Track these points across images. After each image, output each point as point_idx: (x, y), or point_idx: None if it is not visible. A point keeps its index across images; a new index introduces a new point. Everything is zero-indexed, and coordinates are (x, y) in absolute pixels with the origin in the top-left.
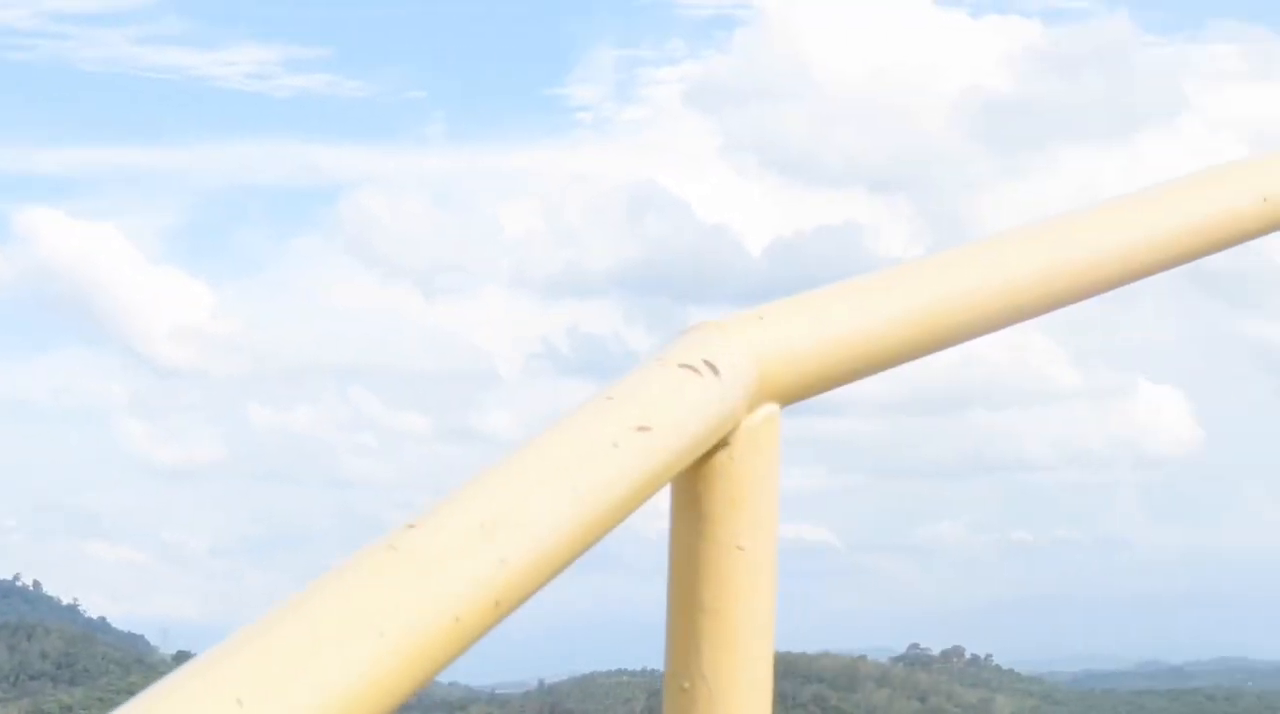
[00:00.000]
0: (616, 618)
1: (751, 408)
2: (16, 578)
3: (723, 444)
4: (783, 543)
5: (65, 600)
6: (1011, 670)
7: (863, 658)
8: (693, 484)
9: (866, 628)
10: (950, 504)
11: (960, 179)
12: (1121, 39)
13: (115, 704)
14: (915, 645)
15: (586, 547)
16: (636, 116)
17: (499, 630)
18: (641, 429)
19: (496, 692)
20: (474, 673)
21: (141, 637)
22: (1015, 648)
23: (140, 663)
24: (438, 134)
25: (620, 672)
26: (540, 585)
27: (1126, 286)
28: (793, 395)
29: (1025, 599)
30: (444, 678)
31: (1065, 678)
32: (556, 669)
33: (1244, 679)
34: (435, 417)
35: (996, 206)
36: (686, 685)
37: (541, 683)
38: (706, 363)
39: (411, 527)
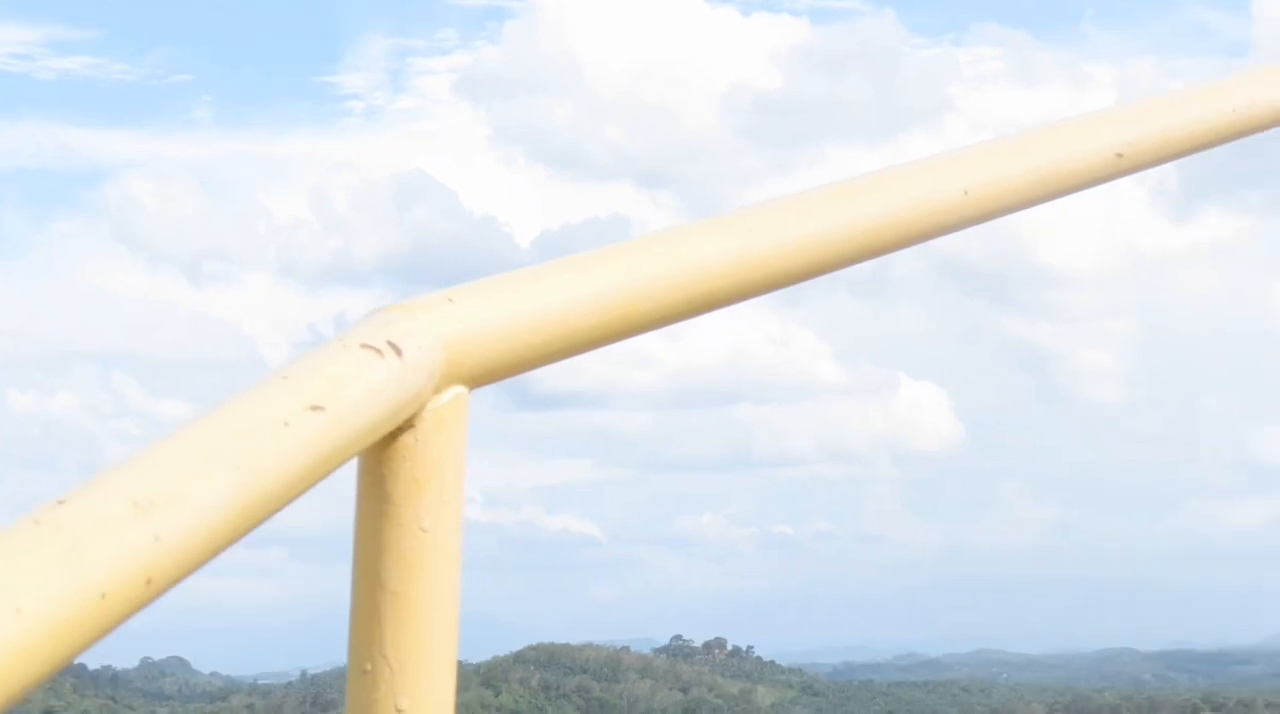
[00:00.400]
0: None
1: (438, 390)
2: None
3: (408, 425)
4: (549, 535)
5: None
6: (772, 662)
7: (626, 649)
8: (377, 465)
9: (630, 619)
10: (713, 497)
11: (728, 173)
12: (888, 40)
13: None
14: (678, 637)
15: (253, 525)
16: (406, 106)
17: (261, 621)
18: (315, 408)
19: (259, 682)
20: (235, 663)
21: None
22: (776, 640)
23: None
24: (205, 119)
25: None
26: (200, 563)
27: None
28: (481, 378)
29: (786, 592)
30: (205, 668)
31: (825, 669)
32: (319, 659)
33: (998, 671)
34: (199, 404)
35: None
36: (368, 667)
37: (304, 673)
38: (390, 344)
39: (61, 502)
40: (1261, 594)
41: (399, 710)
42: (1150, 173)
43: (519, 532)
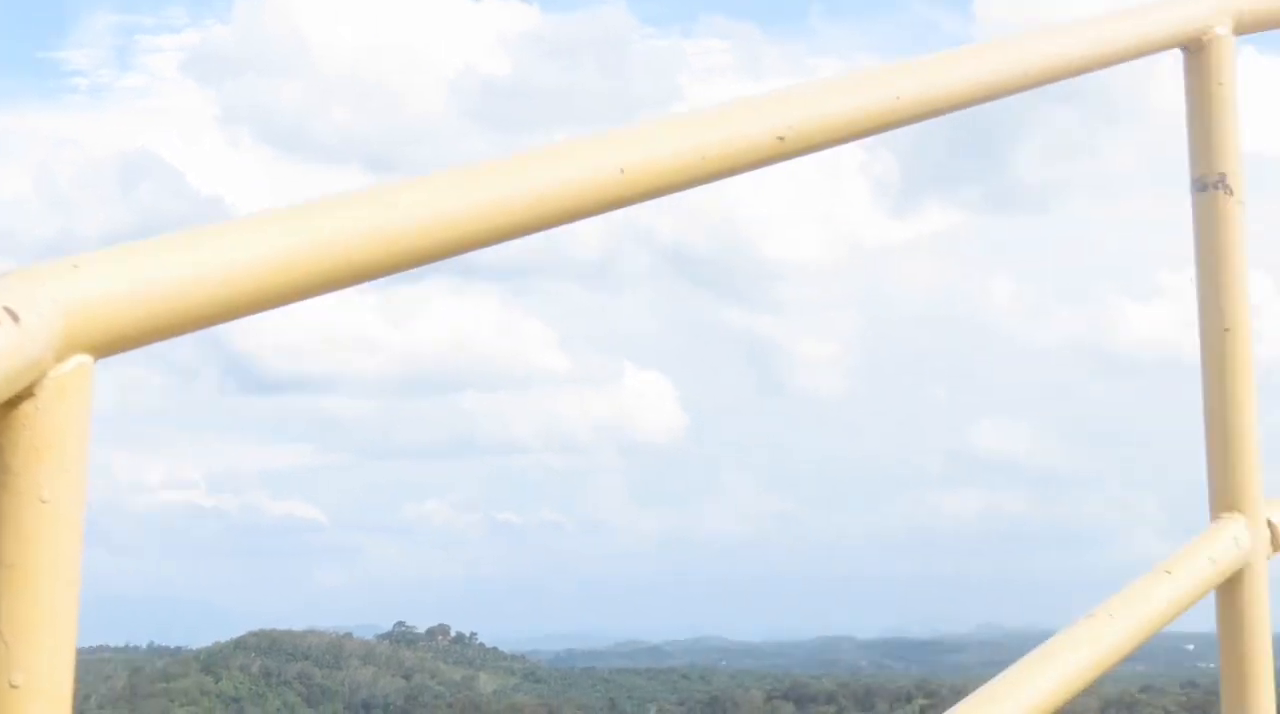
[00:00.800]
0: (98, 594)
1: (60, 358)
2: None
3: (27, 394)
4: (273, 520)
5: None
6: (495, 649)
7: (349, 635)
8: None
9: (354, 606)
10: (438, 484)
11: (455, 158)
12: (618, 29)
13: None
14: (401, 623)
15: None
16: (133, 84)
17: None
18: None
19: None
20: None
21: None
22: (500, 627)
23: None
24: None
25: (101, 648)
26: None
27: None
28: (106, 347)
29: (511, 579)
30: None
31: (547, 656)
32: None
33: (718, 658)
34: None
35: None
36: None
37: None
38: (6, 310)
39: None
40: (974, 583)
41: (14, 686)
42: (874, 167)
43: (242, 516)
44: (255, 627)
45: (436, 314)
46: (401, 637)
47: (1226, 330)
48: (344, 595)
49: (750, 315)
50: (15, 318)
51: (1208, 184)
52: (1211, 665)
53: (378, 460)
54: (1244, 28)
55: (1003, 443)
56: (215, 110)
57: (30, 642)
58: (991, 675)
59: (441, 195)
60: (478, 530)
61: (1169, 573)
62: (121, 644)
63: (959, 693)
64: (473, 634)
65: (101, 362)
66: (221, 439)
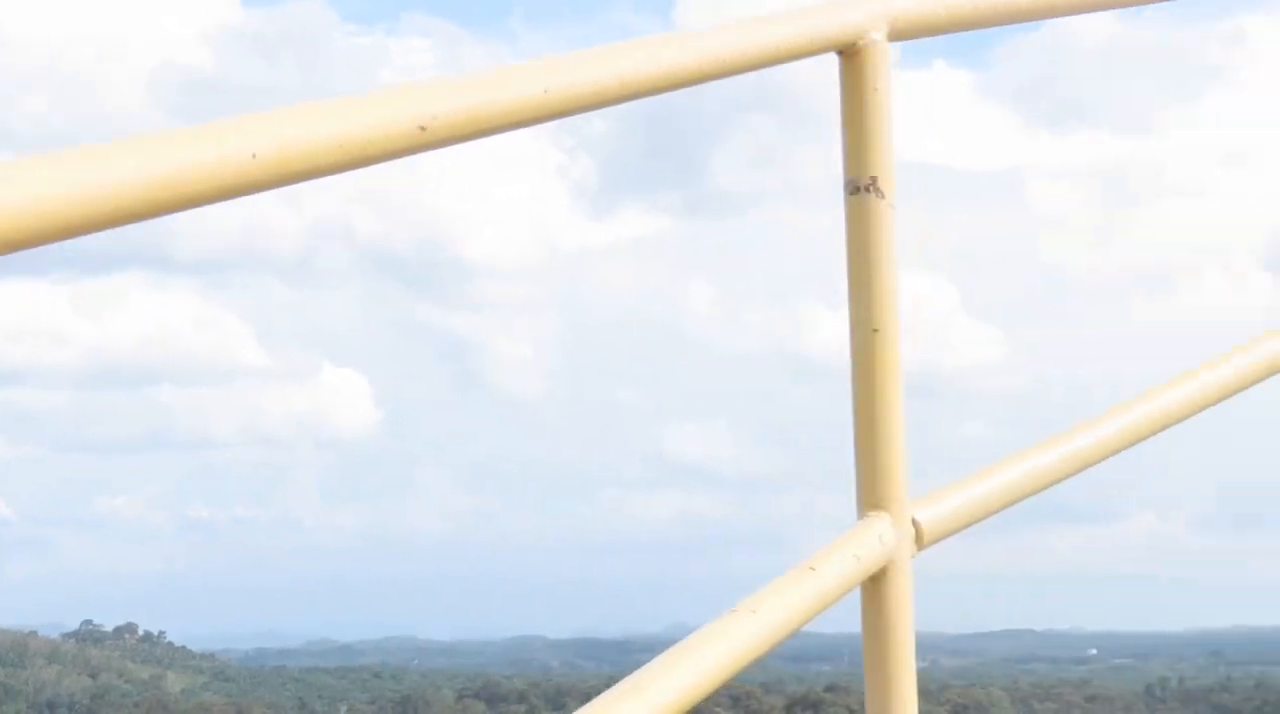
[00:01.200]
0: None
1: None
2: None
3: None
4: None
5: None
6: (184, 648)
7: (33, 634)
8: None
9: (39, 603)
10: (129, 479)
11: None
12: (319, 25)
13: None
14: (88, 622)
15: None
16: None
17: None
18: None
19: None
20: None
21: None
22: (189, 625)
23: None
24: None
25: None
26: None
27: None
28: None
29: (202, 576)
30: None
31: (237, 655)
32: None
33: (411, 657)
34: None
35: None
36: None
37: None
38: None
39: None
40: (670, 585)
41: None
42: (571, 170)
43: None
44: None
45: (131, 307)
46: (88, 635)
47: (875, 331)
48: (30, 592)
49: (449, 315)
50: None
51: (860, 187)
52: None
53: (68, 453)
54: (899, 34)
55: (702, 447)
56: None
57: None
58: None
59: (59, 176)
60: (169, 526)
61: (813, 569)
62: None
63: None
64: (161, 633)
65: None
66: None
